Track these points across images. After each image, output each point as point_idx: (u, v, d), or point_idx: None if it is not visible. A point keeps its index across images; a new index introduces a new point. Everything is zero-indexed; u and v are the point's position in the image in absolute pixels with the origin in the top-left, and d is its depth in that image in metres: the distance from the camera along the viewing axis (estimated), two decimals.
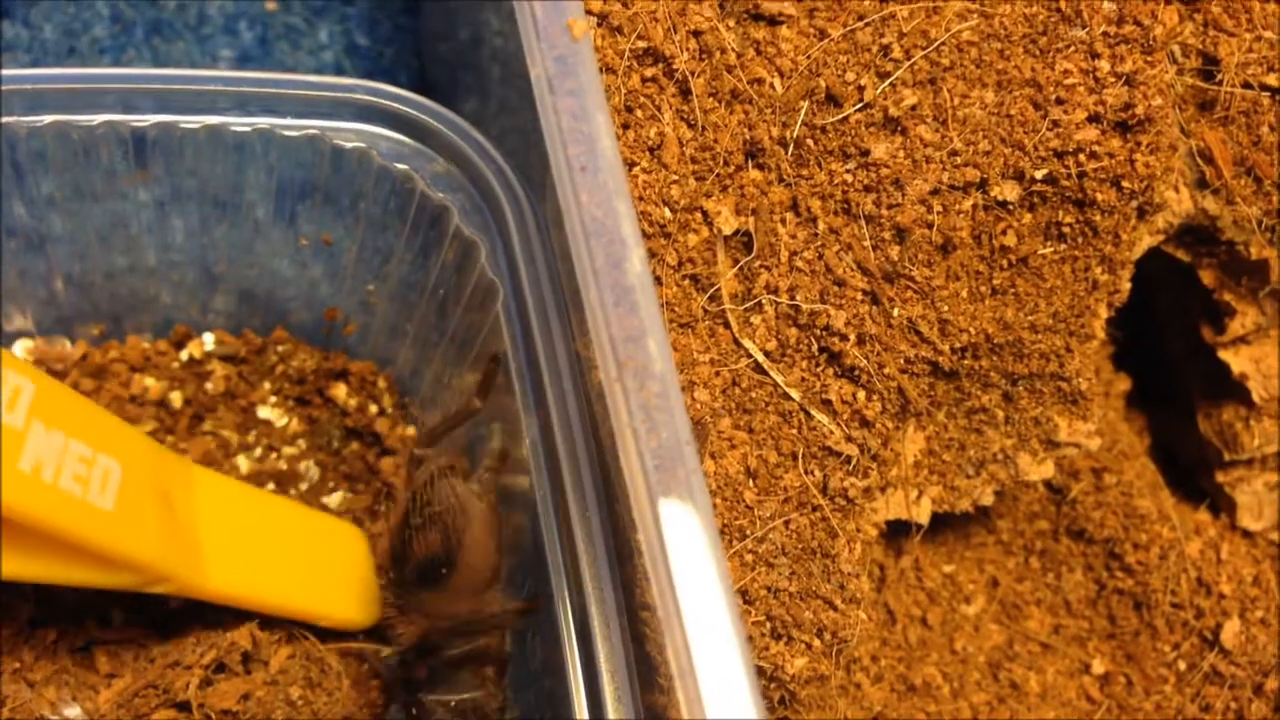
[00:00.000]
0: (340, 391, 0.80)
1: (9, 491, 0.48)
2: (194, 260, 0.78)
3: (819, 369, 0.62)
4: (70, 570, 0.54)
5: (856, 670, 0.71)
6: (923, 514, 0.69)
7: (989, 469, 0.69)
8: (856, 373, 0.62)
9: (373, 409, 0.80)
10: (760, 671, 0.61)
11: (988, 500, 0.70)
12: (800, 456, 0.62)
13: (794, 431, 0.62)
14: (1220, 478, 0.80)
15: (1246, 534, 0.81)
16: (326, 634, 0.68)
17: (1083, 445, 0.69)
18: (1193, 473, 0.84)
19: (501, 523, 0.64)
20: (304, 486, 0.79)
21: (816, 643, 0.61)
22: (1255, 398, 0.76)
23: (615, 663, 0.58)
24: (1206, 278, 0.73)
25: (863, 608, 0.63)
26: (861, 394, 0.63)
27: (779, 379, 0.62)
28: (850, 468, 0.62)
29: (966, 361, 0.65)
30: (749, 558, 0.60)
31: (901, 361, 0.63)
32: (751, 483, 0.61)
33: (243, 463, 0.79)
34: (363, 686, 0.69)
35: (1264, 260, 0.69)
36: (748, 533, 0.60)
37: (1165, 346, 0.83)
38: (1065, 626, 0.79)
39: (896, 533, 0.72)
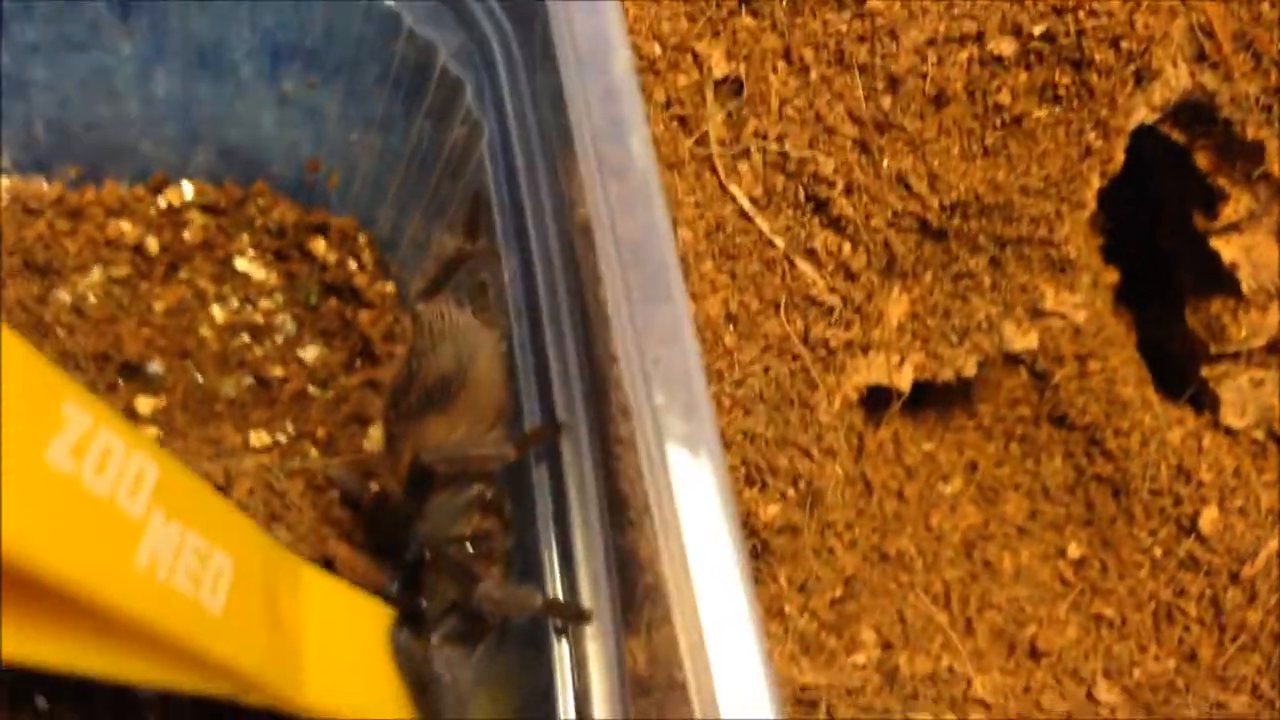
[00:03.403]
0: (320, 246, 0.78)
1: (122, 593, 0.41)
2: (176, 114, 0.77)
3: (805, 218, 0.61)
4: (163, 672, 0.47)
5: (831, 535, 0.71)
6: (904, 380, 0.69)
7: (973, 338, 0.69)
8: (843, 223, 0.61)
9: (352, 265, 0.79)
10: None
11: (970, 370, 0.70)
12: (782, 305, 0.61)
13: (777, 280, 0.61)
14: (1206, 372, 0.80)
15: (1229, 431, 0.81)
16: None
17: (1069, 317, 0.68)
18: (1179, 370, 0.83)
19: (509, 360, 0.62)
20: (279, 340, 0.78)
21: (791, 491, 0.61)
22: (1244, 288, 0.75)
23: (585, 496, 0.57)
24: (1201, 160, 0.72)
25: (839, 461, 0.62)
26: (847, 245, 0.62)
27: (764, 226, 0.61)
28: (832, 319, 0.62)
29: (955, 221, 0.64)
30: (726, 401, 0.60)
31: (889, 214, 0.62)
32: (732, 327, 0.60)
33: (218, 313, 0.77)
34: None
35: (1259, 141, 0.69)
36: (726, 376, 0.60)
37: (1158, 240, 0.82)
38: (1042, 512, 0.79)
39: (877, 403, 0.72)
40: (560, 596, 0.57)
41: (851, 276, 0.62)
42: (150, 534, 0.43)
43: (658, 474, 0.50)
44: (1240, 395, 0.80)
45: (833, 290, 0.62)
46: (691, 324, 0.50)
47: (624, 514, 0.58)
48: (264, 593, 0.52)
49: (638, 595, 0.58)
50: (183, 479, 0.47)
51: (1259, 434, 0.81)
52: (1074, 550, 0.78)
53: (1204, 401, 0.82)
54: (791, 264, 0.61)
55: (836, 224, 0.61)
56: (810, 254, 0.61)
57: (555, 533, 0.58)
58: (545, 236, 0.61)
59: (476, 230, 0.64)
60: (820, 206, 0.61)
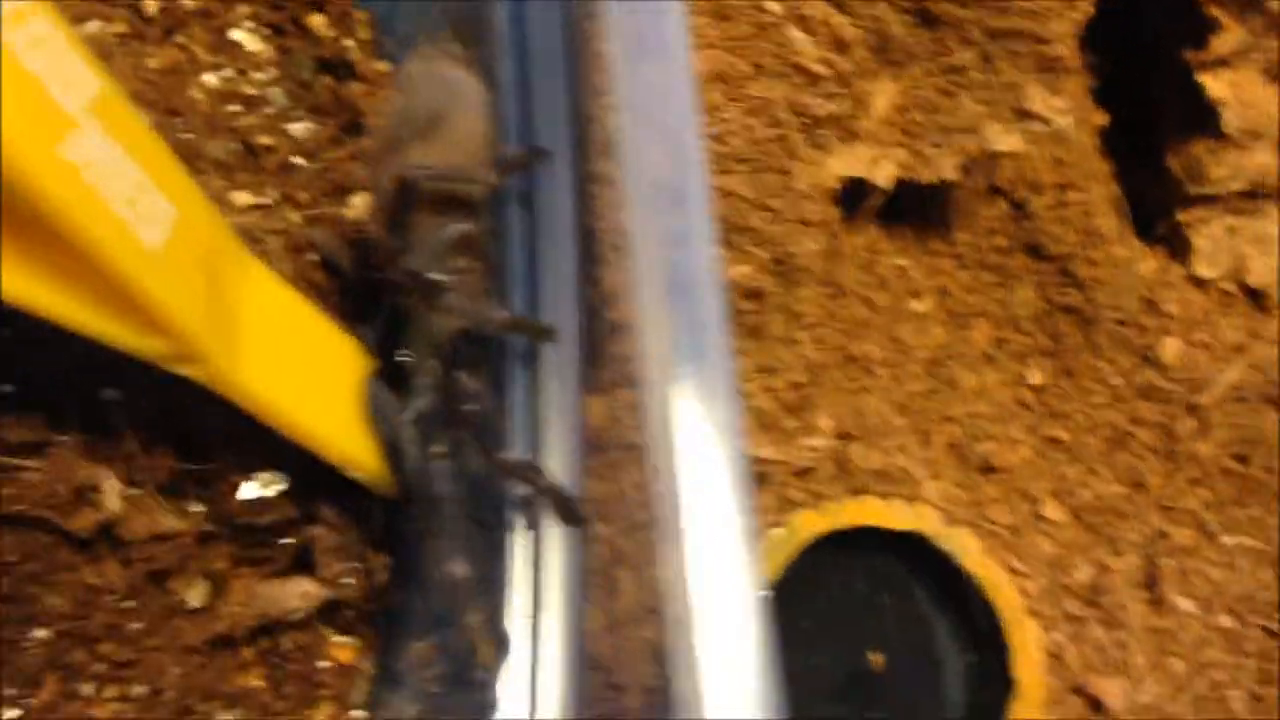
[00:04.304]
0: (317, 21, 0.78)
1: (42, 174, 0.39)
2: None
3: None
4: (94, 314, 0.45)
5: (797, 327, 0.72)
6: (884, 176, 0.69)
7: (957, 139, 0.69)
8: None
9: (348, 42, 0.79)
10: None
11: (952, 174, 0.70)
12: (769, 70, 0.62)
13: (767, 45, 0.62)
14: (1181, 216, 0.81)
15: (1200, 282, 0.82)
16: None
17: (1053, 122, 0.69)
18: (1157, 219, 0.84)
19: (494, 102, 0.62)
20: (269, 111, 0.78)
21: (761, 254, 0.62)
22: (1228, 127, 0.76)
23: (559, 231, 0.58)
24: None
25: (810, 234, 0.63)
26: (840, 17, 0.62)
27: None
28: (817, 89, 0.62)
29: (951, 6, 0.64)
30: (706, 155, 0.60)
31: None
32: (719, 85, 0.61)
33: (210, 80, 0.77)
34: None
35: None
36: (709, 130, 0.60)
37: (1149, 86, 0.83)
38: (1009, 341, 0.80)
39: (853, 204, 0.72)
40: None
41: (842, 48, 0.63)
42: (82, 136, 0.41)
43: (638, 214, 0.50)
44: (1214, 244, 0.81)
45: (822, 61, 0.62)
46: (690, 78, 0.49)
47: (596, 250, 0.59)
48: (207, 261, 0.49)
49: (599, 341, 0.59)
50: (129, 113, 0.45)
51: (1229, 285, 0.82)
52: (1036, 377, 0.79)
53: (1176, 249, 0.83)
54: (783, 30, 0.62)
55: None
56: (803, 21, 0.62)
57: (525, 266, 0.59)
58: None
59: None
60: None
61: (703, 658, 0.44)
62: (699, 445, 0.44)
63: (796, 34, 0.62)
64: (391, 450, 0.60)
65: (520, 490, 0.57)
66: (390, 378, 0.63)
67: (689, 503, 0.44)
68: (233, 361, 0.52)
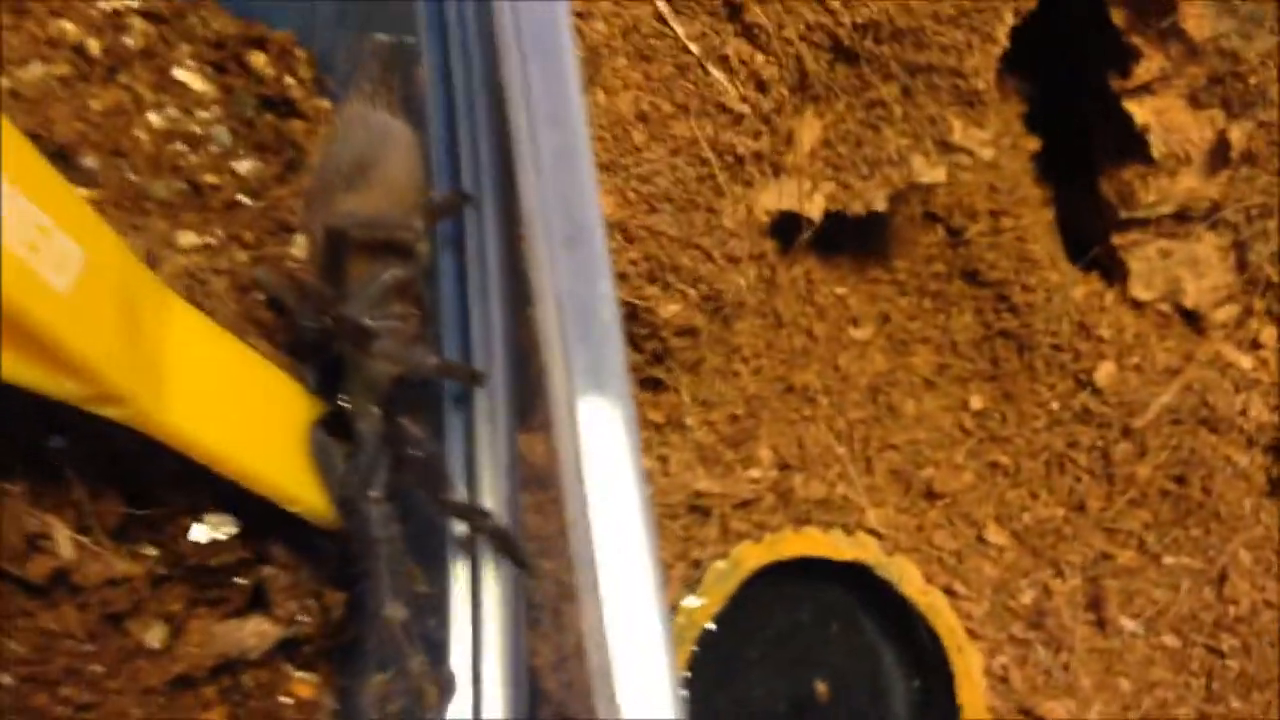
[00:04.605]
0: (259, 60, 0.79)
1: None
2: None
3: (720, 24, 0.63)
4: (11, 359, 0.46)
5: (737, 360, 0.73)
6: (815, 209, 0.71)
7: (883, 170, 0.71)
8: (756, 32, 0.63)
9: (289, 80, 0.80)
10: (633, 314, 0.63)
11: (880, 205, 0.72)
12: (692, 110, 0.63)
13: (689, 85, 0.63)
14: (1116, 240, 0.82)
15: (1136, 304, 0.83)
16: None
17: (976, 153, 0.70)
18: (1092, 245, 0.85)
19: (423, 148, 0.63)
20: (214, 149, 0.79)
21: (691, 292, 0.63)
22: (1155, 153, 0.77)
23: (486, 275, 0.59)
24: (1117, 16, 0.74)
25: (740, 272, 0.64)
26: (760, 55, 0.63)
27: (680, 30, 0.63)
28: (741, 127, 0.63)
29: (868, 43, 0.66)
30: (631, 195, 0.61)
31: (802, 27, 0.64)
32: (642, 125, 0.62)
33: (154, 119, 0.78)
34: None
35: None
36: (632, 171, 0.61)
37: (1079, 112, 0.84)
38: (950, 366, 0.81)
39: (789, 236, 0.74)
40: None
41: (762, 87, 0.64)
42: None
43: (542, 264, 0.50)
44: (1148, 266, 0.82)
45: (743, 100, 0.63)
46: (582, 109, 0.49)
47: (525, 294, 0.60)
48: (121, 300, 0.50)
49: (532, 381, 0.60)
50: (30, 156, 0.45)
51: (1165, 306, 0.83)
52: (976, 402, 0.80)
53: (1113, 272, 0.84)
54: (705, 70, 0.63)
55: (750, 32, 0.63)
56: (723, 61, 0.63)
57: (457, 311, 0.60)
58: (465, 27, 0.62)
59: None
60: (734, 13, 0.63)
61: (623, 705, 0.45)
62: (605, 486, 0.44)
63: (717, 74, 0.63)
64: (333, 495, 0.61)
65: (463, 530, 0.58)
66: (332, 421, 0.64)
67: (601, 553, 0.45)
68: (157, 401, 0.52)
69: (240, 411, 0.58)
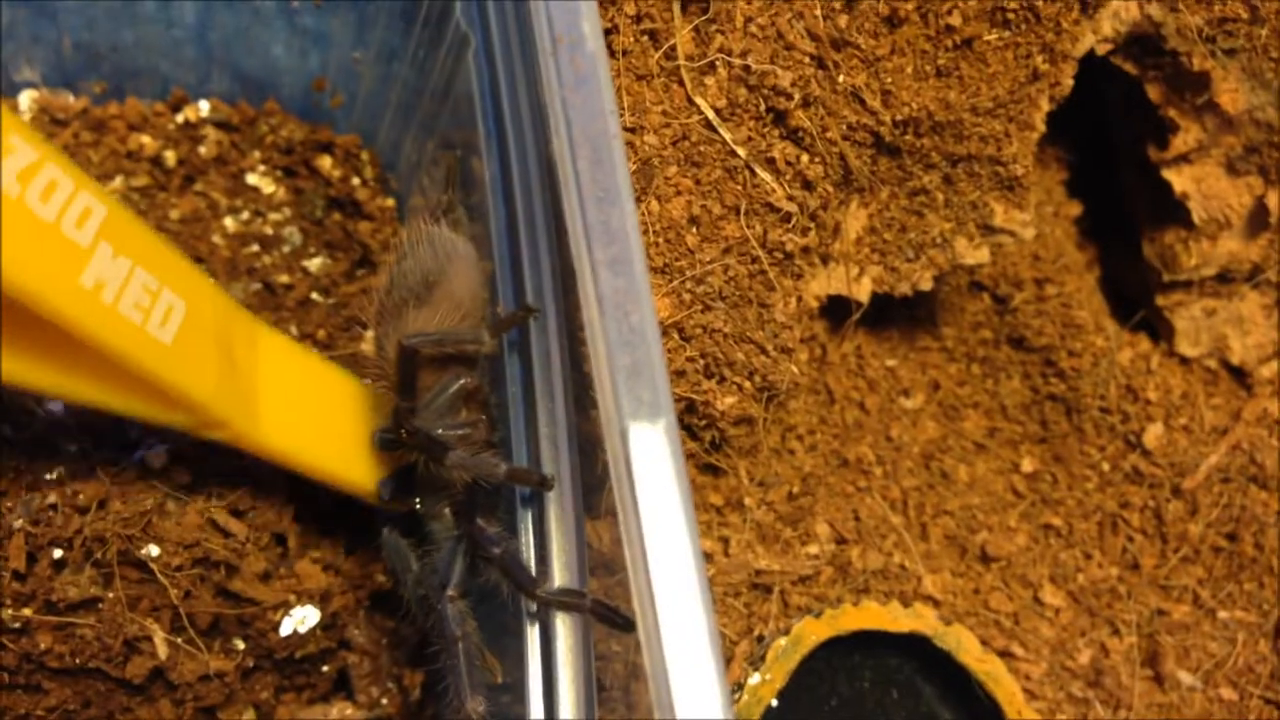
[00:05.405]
0: (325, 163, 0.84)
1: (67, 303, 0.47)
2: (195, 38, 0.83)
3: (765, 129, 0.66)
4: (128, 400, 0.54)
5: (792, 438, 0.76)
6: (863, 292, 0.73)
7: (928, 253, 0.73)
8: (800, 134, 0.66)
9: (355, 180, 0.84)
10: (692, 407, 0.66)
11: (926, 285, 0.74)
12: (742, 210, 0.66)
13: (738, 186, 0.66)
14: (1160, 301, 0.84)
15: (1184, 360, 0.85)
16: None
17: (1018, 234, 0.72)
18: (1137, 304, 0.87)
19: (484, 264, 0.67)
20: (286, 250, 0.83)
21: (747, 384, 0.66)
22: (1195, 219, 0.79)
23: (550, 379, 0.62)
24: (1152, 92, 0.76)
25: (793, 360, 0.67)
26: (805, 156, 0.66)
27: (727, 136, 0.65)
28: (789, 225, 0.66)
29: (908, 138, 0.68)
30: (687, 296, 0.64)
31: (844, 127, 0.66)
32: (694, 229, 0.65)
33: (229, 224, 0.83)
34: None
35: (1205, 72, 0.72)
36: (687, 273, 0.64)
37: (1119, 177, 0.86)
38: (1000, 430, 0.83)
39: (839, 316, 0.76)
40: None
41: (809, 186, 0.66)
42: (96, 261, 0.49)
43: (602, 368, 0.54)
44: (1194, 324, 0.84)
45: (790, 198, 0.66)
46: (634, 217, 0.53)
47: (589, 396, 0.63)
48: (218, 338, 0.58)
49: (598, 474, 0.63)
50: (133, 225, 0.52)
51: (1212, 363, 0.85)
52: (1027, 465, 0.82)
53: (1159, 331, 0.86)
54: (752, 172, 0.66)
55: (794, 135, 0.66)
56: (770, 163, 0.66)
57: (524, 414, 0.63)
58: (523, 137, 0.66)
59: (452, 184, 0.70)
60: (779, 118, 0.65)
61: None
62: (668, 574, 0.48)
63: (765, 175, 0.66)
64: (409, 594, 0.65)
65: (536, 616, 0.61)
66: (405, 523, 0.68)
67: (667, 633, 0.49)
68: (253, 421, 0.61)
69: (317, 413, 0.67)
